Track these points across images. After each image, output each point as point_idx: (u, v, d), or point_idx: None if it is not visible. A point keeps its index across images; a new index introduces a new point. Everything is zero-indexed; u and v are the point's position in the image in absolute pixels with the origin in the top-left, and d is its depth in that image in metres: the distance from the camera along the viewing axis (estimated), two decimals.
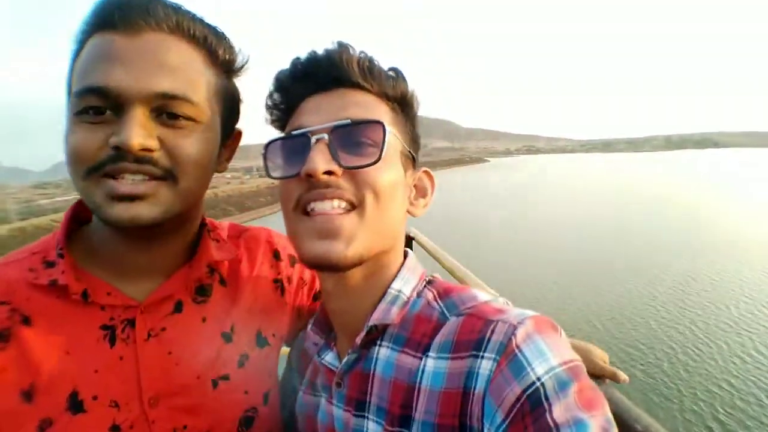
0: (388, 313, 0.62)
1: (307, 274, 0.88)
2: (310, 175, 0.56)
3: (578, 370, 0.50)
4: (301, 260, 0.61)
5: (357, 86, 0.61)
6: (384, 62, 0.64)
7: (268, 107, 0.66)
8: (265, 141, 0.64)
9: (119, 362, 0.62)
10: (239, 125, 0.74)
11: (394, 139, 0.61)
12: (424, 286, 0.66)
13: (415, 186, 0.67)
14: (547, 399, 0.46)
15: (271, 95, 0.65)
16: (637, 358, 14.15)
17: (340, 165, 0.57)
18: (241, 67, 0.70)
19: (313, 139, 0.57)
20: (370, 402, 0.61)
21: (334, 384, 0.65)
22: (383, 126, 0.57)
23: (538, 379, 0.48)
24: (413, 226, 2.12)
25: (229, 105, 0.68)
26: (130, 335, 0.63)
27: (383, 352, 0.62)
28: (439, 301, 0.63)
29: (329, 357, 0.67)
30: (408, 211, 0.66)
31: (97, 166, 0.57)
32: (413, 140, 0.67)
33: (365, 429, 0.60)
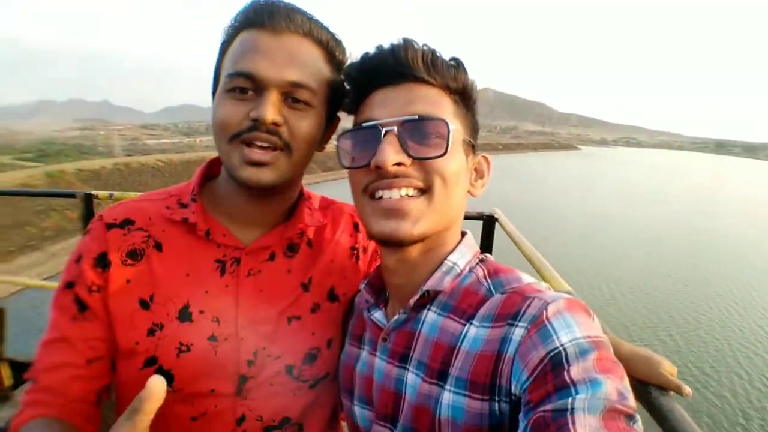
0: (441, 281, 0.68)
1: None
2: (379, 167, 0.62)
3: (601, 344, 0.54)
4: (369, 236, 0.69)
5: (421, 81, 0.65)
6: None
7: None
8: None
9: (225, 289, 0.78)
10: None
11: (456, 132, 0.65)
12: (477, 263, 0.71)
13: (474, 169, 0.73)
14: (567, 361, 0.51)
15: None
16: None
17: (409, 155, 0.63)
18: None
19: (383, 131, 0.63)
20: (412, 357, 0.67)
21: (380, 339, 0.72)
22: (447, 123, 0.63)
23: (562, 345, 0.52)
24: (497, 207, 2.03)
25: (336, 96, 0.80)
26: (235, 270, 0.79)
27: (431, 315, 0.68)
28: (488, 279, 0.68)
29: (378, 315, 0.75)
30: (469, 192, 0.72)
31: (238, 133, 0.71)
32: (473, 128, 0.71)
33: (405, 379, 0.67)
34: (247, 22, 0.73)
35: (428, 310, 0.69)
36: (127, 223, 0.77)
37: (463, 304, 0.66)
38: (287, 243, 0.84)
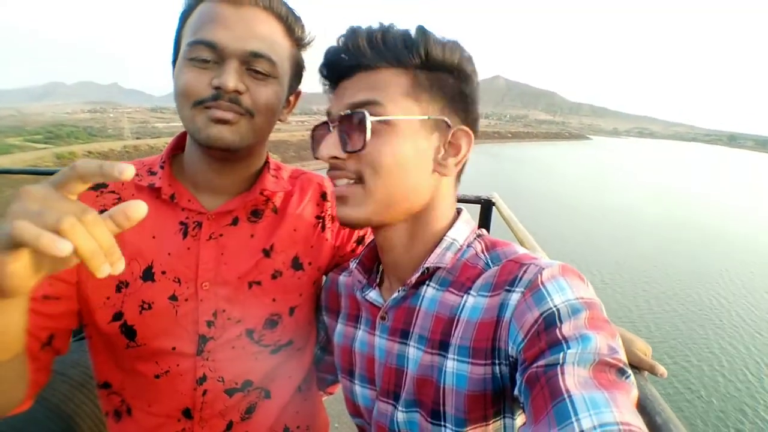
0: (443, 257, 0.68)
1: None
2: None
3: (593, 304, 0.55)
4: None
5: (372, 67, 0.64)
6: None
7: (321, 82, 0.73)
8: None
9: (186, 251, 0.80)
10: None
11: (404, 114, 0.64)
12: (475, 238, 0.72)
13: (449, 143, 0.68)
14: (560, 319, 0.52)
15: (321, 72, 0.72)
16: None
17: (345, 151, 0.65)
18: (308, 42, 0.86)
19: (330, 127, 0.68)
20: (413, 332, 0.68)
21: (379, 318, 0.73)
22: (364, 115, 0.62)
23: (555, 305, 0.54)
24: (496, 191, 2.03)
25: (296, 69, 0.84)
26: (197, 233, 0.81)
27: (430, 291, 0.69)
28: (485, 253, 0.69)
29: (373, 294, 0.75)
30: (437, 171, 0.68)
31: (201, 101, 0.74)
32: (452, 98, 0.67)
33: (407, 353, 0.68)
34: None
35: (427, 285, 0.69)
36: (99, 186, 0.80)
37: (462, 278, 0.67)
38: (251, 209, 0.85)
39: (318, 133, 0.72)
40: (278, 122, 0.85)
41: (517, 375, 0.53)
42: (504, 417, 0.61)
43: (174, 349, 0.78)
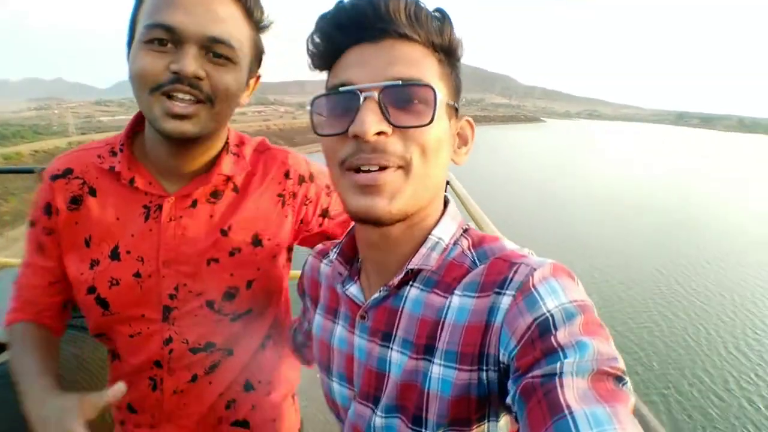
0: (428, 258, 0.64)
1: (313, 193, 1.00)
2: (358, 136, 0.55)
3: (587, 307, 0.53)
4: (347, 213, 0.62)
5: (404, 36, 0.57)
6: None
7: (310, 52, 0.63)
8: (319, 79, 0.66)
9: (149, 232, 0.85)
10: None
11: (441, 96, 0.58)
12: (461, 234, 0.67)
13: (458, 134, 0.66)
14: (554, 326, 0.50)
15: (312, 39, 0.62)
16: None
17: (390, 124, 0.56)
18: (267, 25, 0.85)
19: (362, 97, 0.56)
20: (396, 335, 0.64)
21: (358, 316, 0.69)
22: (433, 89, 0.56)
23: (548, 311, 0.52)
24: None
25: (256, 53, 0.84)
26: (158, 216, 0.85)
27: (414, 292, 0.65)
28: (472, 250, 0.65)
29: (353, 289, 0.70)
30: (452, 159, 0.66)
31: (159, 86, 0.72)
32: (457, 89, 0.64)
33: (389, 358, 0.64)
34: None
35: (411, 286, 0.65)
36: (67, 173, 0.85)
37: (447, 278, 0.63)
38: (211, 190, 0.88)
39: (329, 104, 0.61)
40: (237, 107, 0.87)
41: (510, 383, 0.51)
42: (488, 421, 0.59)
43: (143, 316, 0.87)
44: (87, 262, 0.84)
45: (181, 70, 0.71)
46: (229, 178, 0.89)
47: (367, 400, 0.68)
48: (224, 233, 0.88)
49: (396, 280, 0.64)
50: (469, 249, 0.65)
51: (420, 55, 0.58)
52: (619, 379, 0.46)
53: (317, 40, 0.61)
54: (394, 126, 0.56)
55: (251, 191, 0.92)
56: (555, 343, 0.48)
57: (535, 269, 0.56)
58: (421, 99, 0.56)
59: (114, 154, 0.84)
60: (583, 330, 0.50)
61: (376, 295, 0.66)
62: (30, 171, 2.22)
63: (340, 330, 0.73)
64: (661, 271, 20.52)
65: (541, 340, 0.50)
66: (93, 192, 0.84)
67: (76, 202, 0.84)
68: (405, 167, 0.57)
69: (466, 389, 0.57)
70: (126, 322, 0.87)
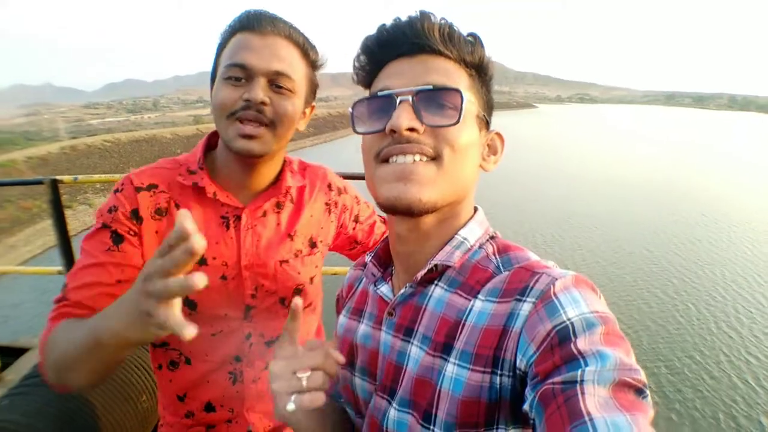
0: (451, 255, 0.68)
1: (348, 202, 1.20)
2: (394, 131, 0.63)
3: (608, 319, 0.53)
4: (377, 204, 0.68)
5: (437, 53, 0.65)
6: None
7: (355, 68, 0.73)
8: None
9: (230, 240, 0.98)
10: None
11: (470, 104, 0.66)
12: (487, 240, 0.71)
13: (488, 145, 0.72)
14: (574, 334, 0.51)
15: (358, 57, 0.71)
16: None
17: (422, 122, 0.63)
18: (321, 65, 1.03)
19: (398, 100, 0.63)
20: (417, 330, 0.68)
21: (386, 313, 0.73)
22: (461, 93, 0.63)
23: (569, 319, 0.52)
24: None
25: (311, 86, 1.02)
26: (237, 225, 0.99)
27: (438, 291, 0.68)
28: (497, 256, 0.68)
29: (384, 288, 0.76)
30: (481, 166, 0.71)
31: (234, 112, 0.90)
32: (488, 104, 0.71)
33: (408, 352, 0.68)
34: (240, 26, 0.93)
35: (436, 285, 0.68)
36: (152, 187, 0.96)
37: (471, 281, 0.66)
38: (276, 202, 1.04)
39: (368, 107, 0.68)
40: (294, 132, 1.01)
41: (528, 390, 0.51)
42: (497, 428, 0.58)
43: (226, 315, 0.98)
44: None
45: (251, 98, 0.88)
46: (287, 192, 1.06)
47: (385, 392, 0.70)
48: (291, 238, 1.05)
49: (420, 276, 0.68)
50: (494, 254, 0.68)
51: (452, 68, 0.66)
52: (640, 392, 0.46)
53: (361, 57, 0.71)
54: (426, 125, 0.63)
55: (304, 202, 1.09)
56: (575, 351, 0.49)
57: (556, 279, 0.57)
58: (450, 101, 0.63)
59: (192, 172, 0.98)
60: (603, 340, 0.50)
61: (403, 291, 0.71)
62: (39, 182, 2.29)
63: (363, 328, 0.78)
64: (650, 250, 20.83)
65: (561, 347, 0.50)
66: (177, 205, 0.96)
67: (160, 213, 0.95)
68: (437, 159, 0.63)
69: (476, 391, 0.58)
70: (209, 322, 0.97)
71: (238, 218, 0.98)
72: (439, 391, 0.61)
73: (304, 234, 1.08)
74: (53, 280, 2.27)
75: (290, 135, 0.99)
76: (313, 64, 1.01)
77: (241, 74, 0.90)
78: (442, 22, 0.66)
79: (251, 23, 0.92)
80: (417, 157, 0.63)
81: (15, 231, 24.69)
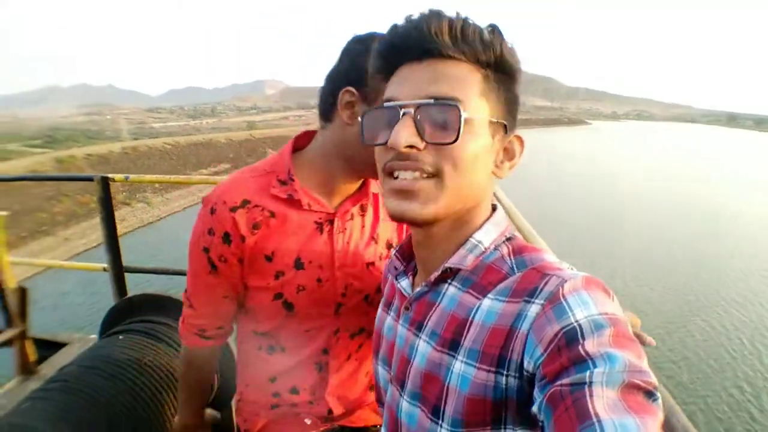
0: (464, 259, 0.68)
1: None
2: (393, 147, 0.62)
3: (618, 321, 0.52)
4: (387, 213, 0.69)
5: (447, 56, 0.62)
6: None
7: (371, 72, 0.71)
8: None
9: (324, 243, 1.02)
10: None
11: (479, 112, 0.62)
12: (503, 241, 0.70)
13: (504, 149, 0.69)
14: (582, 336, 0.50)
15: (373, 59, 0.69)
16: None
17: (423, 140, 0.61)
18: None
19: (401, 113, 0.62)
20: (426, 325, 0.69)
21: (403, 308, 0.74)
22: (459, 110, 0.60)
23: (577, 321, 0.52)
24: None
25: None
26: (330, 229, 1.02)
27: (451, 290, 0.68)
28: (512, 257, 0.67)
29: (404, 283, 0.77)
30: (493, 173, 0.69)
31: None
32: (509, 104, 0.67)
33: (416, 346, 0.69)
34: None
35: (449, 284, 0.69)
36: (245, 203, 0.96)
37: (484, 281, 0.65)
38: (360, 205, 1.07)
39: (376, 117, 0.67)
40: (318, 131, 1.01)
41: (536, 391, 0.52)
42: (505, 428, 0.59)
43: (319, 312, 1.05)
44: (272, 274, 0.99)
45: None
46: (374, 197, 1.11)
47: (397, 383, 0.73)
48: (375, 240, 1.11)
49: (433, 278, 0.69)
50: (509, 255, 0.67)
51: (462, 73, 0.62)
52: (650, 394, 0.46)
53: (375, 59, 0.69)
54: (427, 142, 0.61)
55: (380, 205, 1.12)
56: (583, 353, 0.48)
57: (566, 280, 0.57)
58: (450, 117, 0.60)
59: (282, 183, 0.98)
60: (612, 342, 0.49)
61: (419, 289, 0.72)
62: (89, 179, 2.29)
63: (389, 320, 0.81)
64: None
65: (568, 348, 0.50)
66: (272, 215, 0.97)
67: (256, 227, 0.97)
68: (437, 176, 0.62)
69: (482, 389, 0.59)
70: (304, 320, 1.05)
71: (331, 222, 1.02)
72: (447, 387, 0.62)
73: (384, 237, 1.14)
74: (99, 275, 2.46)
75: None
76: None
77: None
78: (454, 18, 0.61)
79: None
80: (417, 174, 0.62)
81: (71, 224, 25.90)
